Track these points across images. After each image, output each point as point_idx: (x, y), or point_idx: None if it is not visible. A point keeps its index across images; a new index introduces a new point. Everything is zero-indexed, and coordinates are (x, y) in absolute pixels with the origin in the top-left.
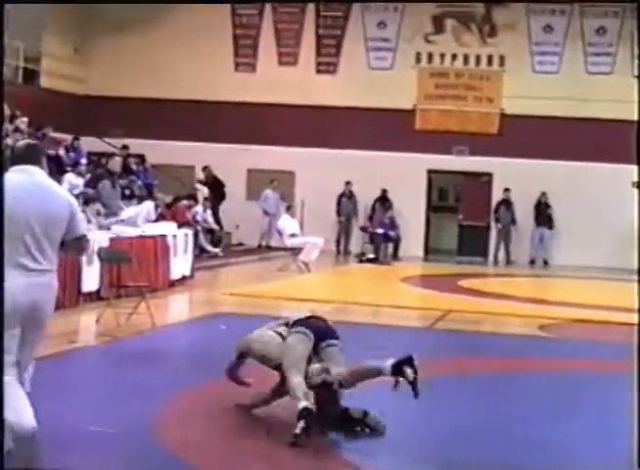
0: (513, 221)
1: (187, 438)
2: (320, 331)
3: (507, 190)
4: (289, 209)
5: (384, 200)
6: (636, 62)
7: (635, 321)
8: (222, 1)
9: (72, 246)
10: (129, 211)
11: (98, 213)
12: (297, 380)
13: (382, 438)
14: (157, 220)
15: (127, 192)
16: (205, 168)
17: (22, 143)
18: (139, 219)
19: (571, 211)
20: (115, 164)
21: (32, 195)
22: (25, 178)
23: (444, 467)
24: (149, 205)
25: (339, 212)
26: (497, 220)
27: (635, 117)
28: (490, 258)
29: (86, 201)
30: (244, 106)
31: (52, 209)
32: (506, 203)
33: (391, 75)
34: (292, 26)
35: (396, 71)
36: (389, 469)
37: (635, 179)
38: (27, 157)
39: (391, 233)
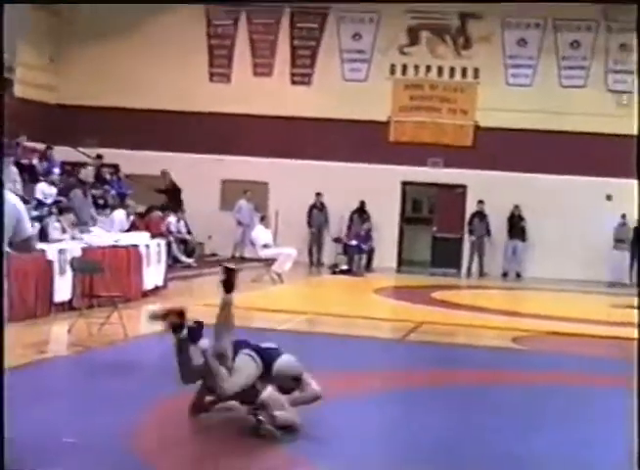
0: (487, 233)
1: (159, 447)
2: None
3: (481, 202)
4: (263, 219)
5: (361, 211)
6: (610, 75)
7: (608, 333)
8: (200, 1)
9: (20, 247)
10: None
11: (73, 224)
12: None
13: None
14: (130, 230)
15: (101, 202)
16: (163, 173)
17: None
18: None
19: (545, 224)
20: (87, 173)
21: None
22: None
23: None
24: (120, 214)
25: (309, 224)
26: (471, 232)
27: (609, 131)
28: (463, 270)
29: (60, 210)
30: (218, 116)
31: None
32: (480, 215)
33: (366, 87)
34: (267, 37)
35: (371, 83)
36: None
37: (607, 192)
38: None
39: (363, 246)
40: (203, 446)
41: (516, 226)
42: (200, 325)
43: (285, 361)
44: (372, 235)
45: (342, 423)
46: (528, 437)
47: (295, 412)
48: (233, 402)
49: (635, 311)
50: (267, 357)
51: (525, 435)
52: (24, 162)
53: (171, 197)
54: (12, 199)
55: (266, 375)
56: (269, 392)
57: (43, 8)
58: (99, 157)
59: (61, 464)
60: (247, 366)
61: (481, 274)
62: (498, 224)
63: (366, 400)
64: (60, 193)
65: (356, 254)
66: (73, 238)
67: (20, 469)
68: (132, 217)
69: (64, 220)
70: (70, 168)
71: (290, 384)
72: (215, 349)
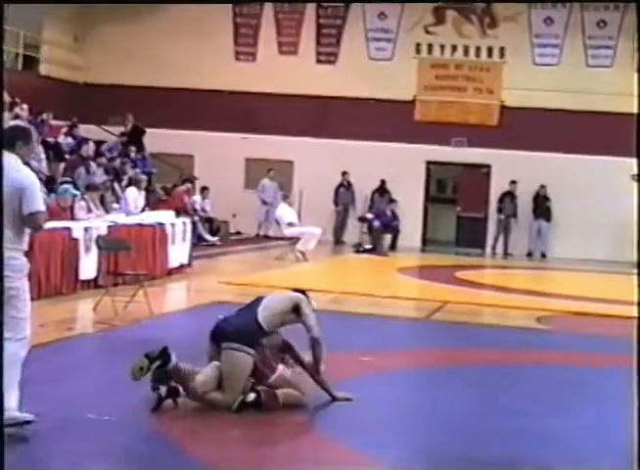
0: (514, 214)
1: (181, 424)
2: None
3: (513, 182)
4: (286, 198)
5: (382, 190)
6: (636, 55)
7: (634, 314)
8: (223, 1)
9: (27, 221)
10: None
11: (101, 202)
12: None
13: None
14: (155, 208)
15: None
16: (124, 118)
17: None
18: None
19: (570, 204)
20: (88, 148)
21: None
22: None
23: (441, 458)
24: (133, 192)
25: (336, 203)
26: (500, 211)
27: (635, 110)
28: (488, 249)
29: (88, 187)
30: (243, 95)
31: None
32: (511, 195)
33: (391, 66)
34: (292, 16)
35: (396, 62)
36: (388, 460)
37: (634, 172)
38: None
39: (391, 224)
40: (225, 426)
41: (541, 206)
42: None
43: (264, 308)
44: (397, 215)
45: (365, 402)
46: (553, 417)
47: (302, 387)
48: None
49: None
50: (251, 326)
51: (550, 415)
52: (50, 140)
53: (132, 138)
54: (19, 172)
55: (261, 333)
56: (278, 373)
57: None
58: (123, 134)
59: (85, 440)
60: (237, 364)
61: (506, 254)
62: (523, 204)
63: (391, 380)
64: (64, 172)
65: (382, 232)
66: (97, 216)
67: (46, 443)
68: (143, 193)
69: (89, 199)
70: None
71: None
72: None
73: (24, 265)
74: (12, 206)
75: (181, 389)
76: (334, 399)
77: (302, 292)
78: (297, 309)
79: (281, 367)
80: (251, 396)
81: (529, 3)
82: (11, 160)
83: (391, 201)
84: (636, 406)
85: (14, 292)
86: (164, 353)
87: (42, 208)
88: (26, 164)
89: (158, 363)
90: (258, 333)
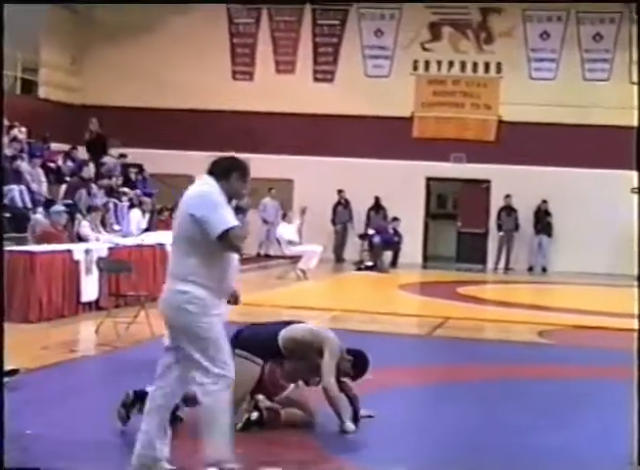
0: (516, 228)
1: (184, 445)
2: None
3: (508, 196)
4: (284, 217)
5: (377, 207)
6: (635, 67)
7: (634, 327)
8: (219, 1)
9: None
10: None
11: (102, 223)
12: None
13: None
14: (154, 229)
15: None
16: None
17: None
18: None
19: (569, 217)
20: (89, 171)
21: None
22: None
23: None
24: (136, 213)
25: (334, 222)
26: (499, 227)
27: (634, 123)
28: (489, 264)
29: (89, 209)
30: (242, 114)
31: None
32: (507, 209)
33: (389, 83)
34: (288, 34)
35: (394, 79)
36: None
37: (634, 185)
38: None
39: (393, 239)
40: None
41: (542, 221)
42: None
43: (289, 330)
44: (400, 233)
45: (370, 420)
46: (556, 432)
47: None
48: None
49: None
50: (268, 341)
51: (553, 430)
52: (51, 165)
53: (94, 147)
54: (192, 192)
55: (275, 354)
56: (286, 392)
57: (64, 8)
58: (123, 156)
59: (87, 461)
60: (241, 372)
61: (507, 269)
62: (523, 218)
63: (394, 397)
64: (66, 194)
65: (381, 249)
66: (97, 239)
67: (47, 464)
68: (148, 216)
69: (92, 220)
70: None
71: (307, 352)
72: None
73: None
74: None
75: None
76: (357, 417)
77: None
78: (320, 352)
79: (291, 386)
80: (255, 414)
81: (525, 18)
82: (206, 187)
83: (395, 219)
84: (636, 414)
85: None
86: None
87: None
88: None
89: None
90: (274, 349)
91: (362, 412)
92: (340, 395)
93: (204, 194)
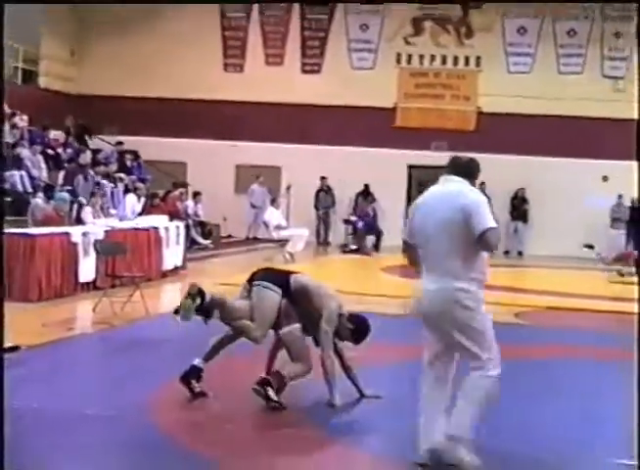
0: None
1: (179, 420)
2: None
3: (482, 184)
4: (273, 201)
5: (366, 193)
6: (606, 61)
7: (603, 308)
8: (212, 1)
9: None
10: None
11: (101, 208)
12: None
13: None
14: (142, 213)
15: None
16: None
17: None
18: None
19: (544, 204)
20: (86, 157)
21: (431, 205)
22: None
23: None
24: (131, 198)
25: (316, 207)
26: None
27: (606, 115)
28: None
29: (92, 195)
30: (232, 104)
31: (441, 214)
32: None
33: (373, 75)
34: (278, 29)
35: (378, 71)
36: (365, 445)
37: (604, 174)
38: (458, 168)
39: (372, 225)
40: (220, 420)
41: (519, 208)
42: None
43: (300, 276)
44: (377, 215)
45: (354, 396)
46: (532, 409)
47: (307, 362)
48: None
49: (634, 287)
50: (282, 278)
51: (529, 407)
52: (50, 151)
53: (77, 137)
54: (459, 193)
55: (286, 294)
56: (293, 327)
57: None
58: (119, 143)
59: (84, 434)
60: (265, 298)
61: None
62: (500, 205)
63: (376, 374)
64: (64, 180)
65: (365, 234)
66: (94, 223)
67: (49, 436)
68: (143, 200)
69: (93, 204)
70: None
71: (309, 303)
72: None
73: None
74: (450, 231)
75: (216, 314)
76: (362, 395)
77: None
78: (319, 312)
79: (297, 325)
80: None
81: (503, 14)
82: (464, 186)
83: (372, 200)
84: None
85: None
86: (201, 291)
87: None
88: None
89: (198, 301)
90: (285, 288)
91: (369, 392)
92: (334, 370)
93: (475, 196)
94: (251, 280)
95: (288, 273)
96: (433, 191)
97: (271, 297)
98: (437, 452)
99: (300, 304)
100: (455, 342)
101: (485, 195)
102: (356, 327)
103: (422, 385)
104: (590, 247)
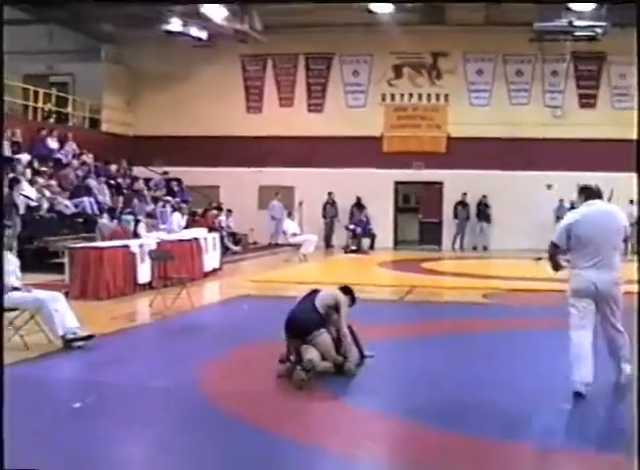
0: (467, 217)
1: (225, 392)
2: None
3: (464, 194)
4: (290, 214)
5: (359, 205)
6: (547, 94)
7: (549, 288)
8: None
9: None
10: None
11: (151, 225)
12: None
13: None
14: (187, 227)
15: (167, 207)
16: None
17: (594, 184)
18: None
19: (502, 208)
20: (140, 185)
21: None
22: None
23: (412, 401)
24: (177, 215)
25: (324, 216)
26: (455, 216)
27: (547, 136)
28: (444, 246)
29: (147, 215)
30: (254, 138)
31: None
32: (462, 203)
33: (364, 111)
34: (288, 78)
35: (368, 108)
36: (367, 404)
37: (548, 182)
38: (593, 194)
39: (365, 230)
40: (258, 392)
41: (483, 212)
42: None
43: (319, 299)
44: (370, 221)
45: (365, 367)
46: (498, 368)
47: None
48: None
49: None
50: (312, 315)
51: (496, 367)
52: (111, 182)
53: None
54: (621, 219)
55: (321, 318)
56: (325, 337)
57: (119, 63)
58: (165, 173)
59: (148, 403)
60: (326, 345)
61: (462, 249)
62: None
63: (376, 348)
64: (124, 203)
65: (362, 237)
66: (148, 236)
67: (120, 408)
68: (186, 217)
69: (146, 222)
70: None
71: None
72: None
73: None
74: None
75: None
76: (362, 355)
77: (349, 289)
78: (337, 307)
79: (324, 330)
80: (308, 374)
81: (465, 59)
82: (613, 207)
83: (362, 212)
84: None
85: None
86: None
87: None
88: None
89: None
90: (320, 318)
91: (367, 353)
92: (351, 342)
93: (622, 214)
94: (290, 331)
95: (313, 303)
96: (589, 210)
97: (327, 339)
98: (589, 385)
99: (330, 314)
100: (608, 308)
101: (464, 202)
102: (353, 297)
103: (575, 337)
104: (539, 259)
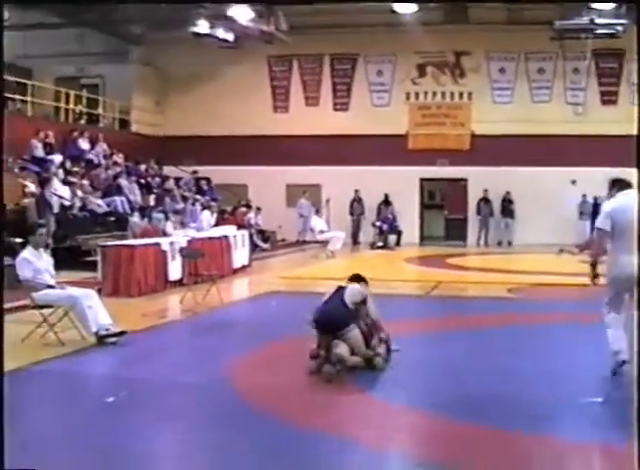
0: (491, 213)
1: (254, 386)
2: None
3: (486, 190)
4: (317, 212)
5: (386, 202)
6: (569, 92)
7: (576, 282)
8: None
9: None
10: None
11: (181, 223)
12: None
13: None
14: (217, 225)
15: (197, 205)
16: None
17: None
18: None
19: (527, 203)
20: (170, 184)
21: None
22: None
23: (439, 394)
24: (207, 213)
25: (351, 213)
26: (478, 213)
27: (570, 132)
28: (469, 241)
29: (176, 212)
30: (281, 137)
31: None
32: (485, 200)
33: (389, 110)
34: (313, 77)
35: (392, 107)
36: (394, 398)
37: (572, 178)
38: (625, 185)
39: (393, 227)
40: (287, 386)
41: (507, 208)
42: None
43: (347, 296)
44: (397, 218)
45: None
46: (523, 362)
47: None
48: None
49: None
50: (342, 310)
51: (521, 361)
52: (142, 181)
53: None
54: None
55: (350, 313)
56: (355, 333)
57: (147, 64)
58: (195, 172)
59: (179, 398)
60: (357, 340)
61: (486, 244)
62: (494, 205)
63: (400, 343)
64: (156, 202)
65: (389, 233)
66: (177, 235)
67: (152, 403)
68: (215, 215)
69: (174, 221)
70: (175, 181)
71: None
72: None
73: None
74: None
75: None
76: (389, 349)
77: (361, 276)
78: (364, 300)
79: (354, 325)
80: (335, 369)
81: (488, 58)
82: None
83: (389, 209)
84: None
85: None
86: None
87: None
88: None
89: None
90: (350, 313)
91: (393, 347)
92: (384, 335)
93: None
94: (321, 328)
95: (341, 299)
96: (625, 199)
97: (357, 334)
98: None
99: (359, 309)
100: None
101: (487, 199)
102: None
103: (609, 320)
104: (561, 250)
